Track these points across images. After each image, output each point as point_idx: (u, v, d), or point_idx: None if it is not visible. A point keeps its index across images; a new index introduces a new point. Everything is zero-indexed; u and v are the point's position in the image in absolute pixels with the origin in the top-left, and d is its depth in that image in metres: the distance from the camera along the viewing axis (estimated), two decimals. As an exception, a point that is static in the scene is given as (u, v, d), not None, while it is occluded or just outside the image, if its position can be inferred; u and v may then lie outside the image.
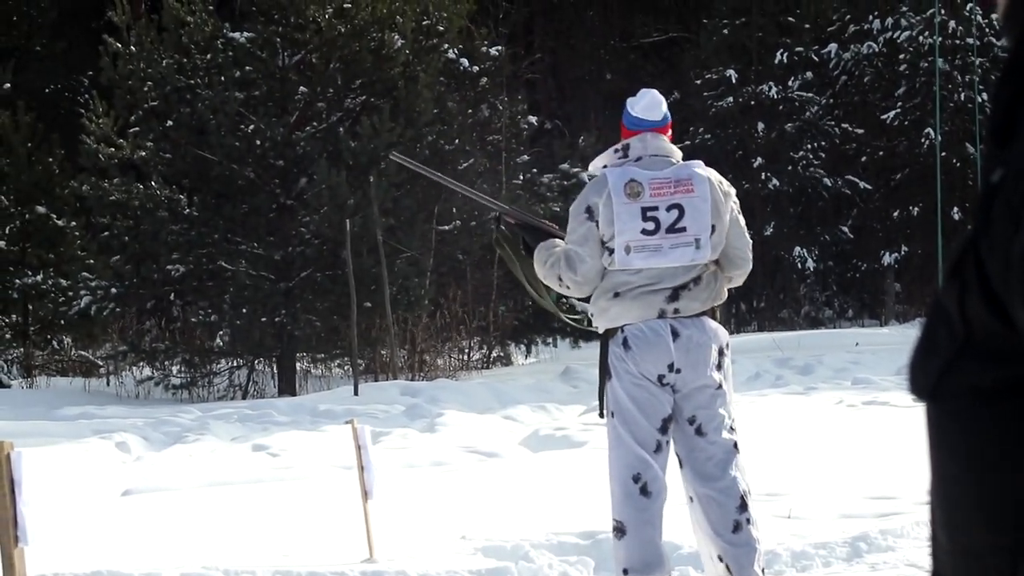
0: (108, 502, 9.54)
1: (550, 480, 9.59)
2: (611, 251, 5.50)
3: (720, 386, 5.54)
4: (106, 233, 19.81)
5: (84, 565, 6.91)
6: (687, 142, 30.72)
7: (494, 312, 23.19)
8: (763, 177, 32.16)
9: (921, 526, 7.06)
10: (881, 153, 32.80)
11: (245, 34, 19.75)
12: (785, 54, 32.75)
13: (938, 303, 1.30)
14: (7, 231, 23.34)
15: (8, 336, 23.50)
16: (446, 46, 21.80)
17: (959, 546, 1.31)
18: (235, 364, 20.49)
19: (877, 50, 32.52)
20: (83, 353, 23.48)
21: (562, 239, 5.78)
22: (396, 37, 20.13)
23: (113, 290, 19.64)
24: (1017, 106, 1.25)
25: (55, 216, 23.31)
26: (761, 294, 32.06)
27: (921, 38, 31.43)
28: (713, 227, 5.54)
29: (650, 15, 41.05)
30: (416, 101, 19.94)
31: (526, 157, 25.96)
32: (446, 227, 21.53)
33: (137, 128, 19.64)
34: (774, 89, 32.62)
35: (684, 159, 5.74)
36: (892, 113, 31.85)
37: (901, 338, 22.60)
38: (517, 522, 7.71)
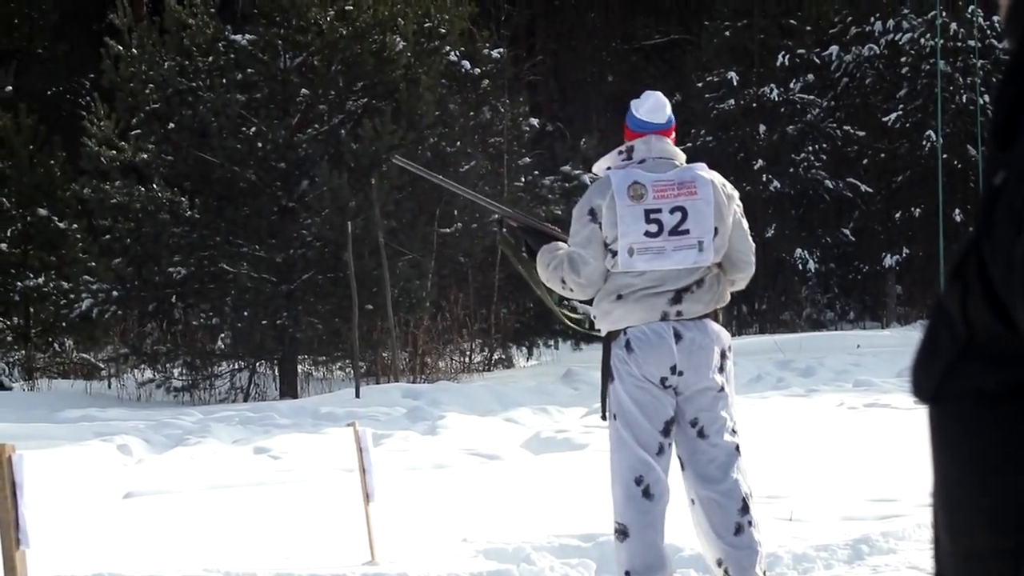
0: (109, 505, 9.54)
1: (551, 482, 9.58)
2: (614, 253, 5.50)
3: (722, 389, 5.54)
4: (108, 236, 19.81)
5: (86, 568, 6.91)
6: (688, 144, 30.70)
7: (495, 314, 23.19)
8: (764, 179, 32.15)
9: (923, 528, 7.06)
10: (882, 155, 32.79)
11: (247, 36, 19.75)
12: (787, 56, 32.76)
13: (940, 305, 1.30)
14: (9, 233, 23.35)
15: (10, 338, 23.50)
16: (448, 48, 21.80)
17: (961, 548, 1.31)
18: (236, 366, 20.49)
19: (878, 52, 32.53)
20: (85, 356, 23.48)
21: (565, 242, 5.78)
22: (398, 39, 20.13)
23: (115, 292, 19.64)
24: (1019, 108, 1.25)
25: (57, 218, 23.31)
26: (762, 296, 32.04)
27: (923, 40, 31.43)
28: (716, 230, 5.54)
29: (652, 17, 41.08)
30: (418, 103, 19.95)
31: (528, 159, 25.95)
32: (448, 229, 21.53)
33: (139, 130, 19.64)
34: (775, 91, 32.62)
35: (687, 162, 5.75)
36: (894, 115, 31.84)
37: (902, 340, 22.61)
38: (518, 524, 7.71)
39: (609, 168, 5.72)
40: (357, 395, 16.81)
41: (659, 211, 5.50)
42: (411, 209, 20.34)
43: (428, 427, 13.69)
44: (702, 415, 5.52)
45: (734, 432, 5.57)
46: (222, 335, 20.24)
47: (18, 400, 18.15)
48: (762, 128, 32.54)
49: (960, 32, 30.93)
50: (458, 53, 23.33)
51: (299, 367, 20.58)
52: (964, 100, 30.78)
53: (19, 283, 23.21)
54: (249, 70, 19.67)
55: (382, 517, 7.41)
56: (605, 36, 41.45)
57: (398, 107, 19.87)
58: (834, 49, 33.11)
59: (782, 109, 32.74)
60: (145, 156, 19.38)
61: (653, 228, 5.48)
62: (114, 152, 19.18)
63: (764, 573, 5.56)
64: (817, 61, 33.11)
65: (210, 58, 19.63)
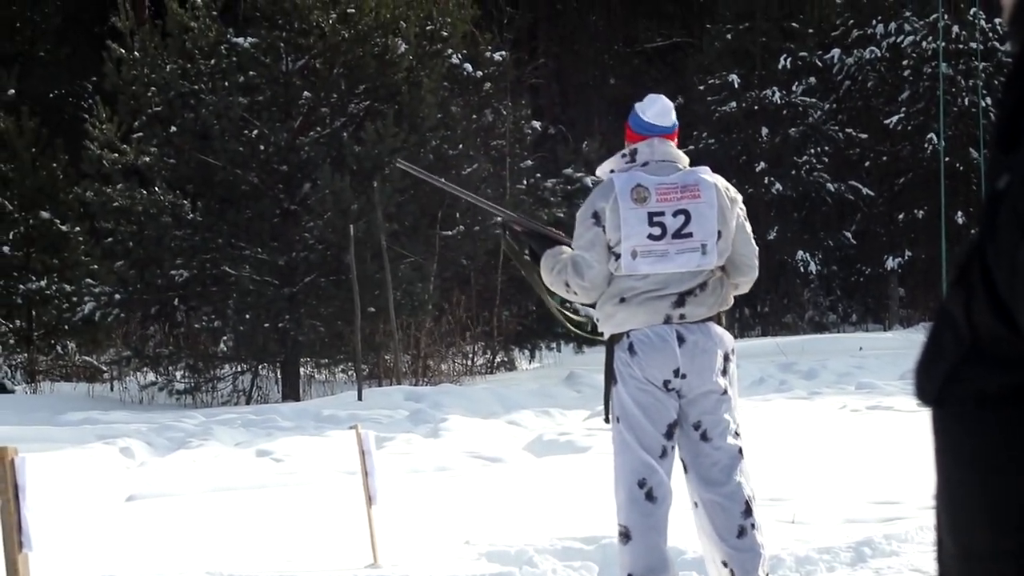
0: (112, 507, 9.54)
1: (554, 485, 9.58)
2: (617, 256, 5.50)
3: (725, 391, 5.53)
4: (110, 239, 19.83)
5: (88, 571, 6.91)
6: (691, 147, 30.73)
7: (498, 317, 23.19)
8: (767, 182, 32.16)
9: (925, 531, 7.06)
10: (885, 158, 32.80)
11: (249, 39, 19.75)
12: (789, 59, 32.77)
13: (944, 308, 1.30)
14: (11, 236, 23.36)
15: (12, 341, 23.51)
16: (450, 51, 21.80)
17: (964, 550, 1.31)
18: (239, 369, 20.50)
19: (880, 55, 32.54)
20: (87, 358, 23.48)
21: (569, 246, 5.78)
22: (400, 42, 20.14)
23: (117, 295, 19.65)
24: (1023, 111, 1.25)
25: (59, 221, 23.33)
26: (765, 299, 32.05)
27: (925, 43, 31.44)
28: (719, 233, 5.53)
29: (654, 20, 41.11)
30: (420, 106, 19.95)
31: (530, 162, 25.95)
32: (450, 232, 21.53)
33: (141, 133, 19.65)
34: (778, 94, 32.62)
35: (690, 165, 5.74)
36: (896, 118, 31.85)
37: (905, 343, 22.62)
38: (521, 527, 7.71)
39: (612, 171, 5.72)
40: (359, 398, 16.82)
41: (662, 214, 5.49)
42: (413, 212, 20.35)
43: (430, 430, 13.69)
44: (705, 418, 5.51)
45: (737, 435, 5.57)
46: (224, 338, 20.25)
47: (20, 403, 18.15)
48: (764, 131, 32.55)
49: (962, 34, 30.94)
50: (460, 56, 23.33)
51: (301, 370, 20.58)
52: (966, 103, 30.78)
53: (21, 286, 23.22)
54: (251, 73, 19.68)
55: (384, 520, 7.41)
56: (607, 39, 41.47)
57: (400, 110, 19.87)
58: (836, 52, 33.13)
59: (784, 112, 32.75)
60: (147, 159, 19.39)
61: (656, 231, 5.47)
62: (116, 155, 19.19)
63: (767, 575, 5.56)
64: (819, 64, 33.14)
65: (212, 61, 19.64)
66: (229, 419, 14.87)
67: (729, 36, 33.40)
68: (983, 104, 28.09)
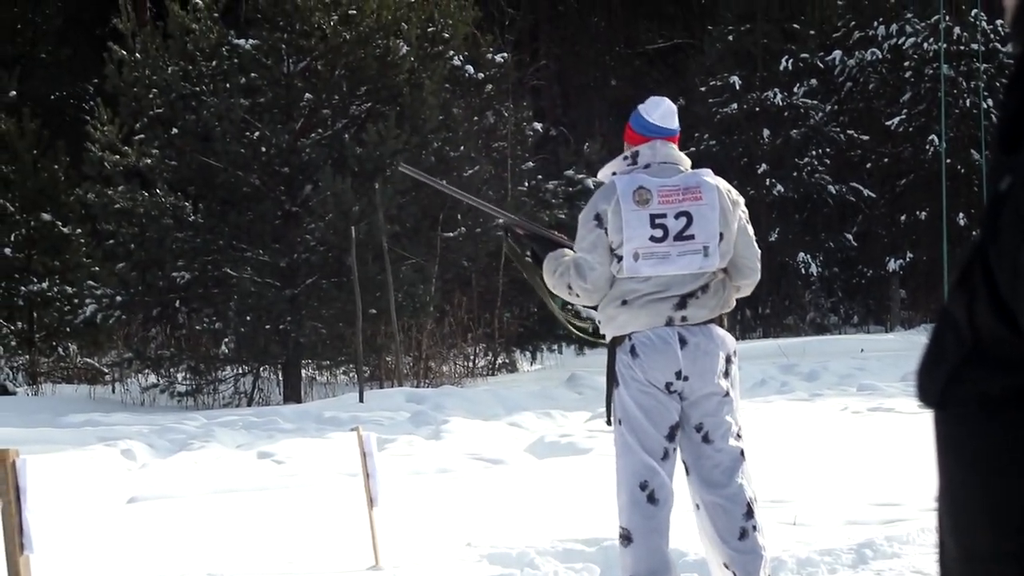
0: (113, 509, 9.54)
1: (555, 487, 9.58)
2: (620, 258, 5.49)
3: (727, 393, 5.53)
4: (111, 240, 19.83)
5: (90, 573, 6.91)
6: (692, 149, 30.74)
7: (499, 319, 23.19)
8: (768, 184, 32.15)
9: (927, 533, 7.06)
10: (886, 159, 32.78)
11: (250, 41, 19.75)
12: (790, 61, 32.76)
13: (946, 310, 1.30)
14: (12, 238, 23.36)
15: (14, 343, 23.51)
16: (451, 53, 21.80)
17: (966, 552, 1.31)
18: (240, 371, 20.50)
19: (882, 56, 32.52)
20: (88, 360, 23.48)
21: (571, 249, 5.77)
22: (401, 44, 20.14)
23: (118, 297, 19.65)
24: (1025, 113, 1.25)
25: (60, 223, 23.33)
26: (766, 300, 32.04)
27: (926, 44, 31.42)
28: (721, 235, 5.53)
29: (655, 22, 41.11)
30: (421, 108, 19.95)
31: (531, 164, 25.96)
32: (451, 234, 21.53)
33: (142, 135, 19.65)
34: (779, 96, 32.61)
35: (692, 167, 5.74)
36: (897, 119, 31.84)
37: (906, 344, 22.61)
38: (523, 529, 7.71)
39: (614, 173, 5.71)
40: (361, 399, 16.82)
41: (664, 216, 5.49)
42: (415, 213, 20.36)
43: (432, 431, 13.69)
44: (707, 420, 5.51)
45: (739, 437, 5.57)
46: (226, 339, 20.24)
47: (22, 405, 18.15)
48: (766, 132, 32.54)
49: (963, 36, 30.92)
50: (462, 58, 23.34)
51: (303, 371, 20.58)
52: (968, 104, 30.77)
53: (23, 288, 23.22)
54: (253, 74, 19.68)
55: (386, 522, 7.41)
56: (608, 41, 41.47)
57: (402, 112, 19.87)
58: (837, 53, 33.11)
59: (785, 113, 32.74)
60: (148, 161, 19.39)
61: (658, 233, 5.47)
62: (117, 157, 19.19)
63: (768, 577, 5.56)
64: (820, 65, 33.12)
65: (213, 63, 19.64)
66: (230, 421, 14.87)
67: (730, 38, 33.39)
68: (984, 106, 28.08)
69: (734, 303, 5.73)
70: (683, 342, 5.46)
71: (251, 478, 10.86)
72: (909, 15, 32.18)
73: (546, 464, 11.37)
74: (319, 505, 9.10)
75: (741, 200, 5.72)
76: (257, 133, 19.43)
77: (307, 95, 20.01)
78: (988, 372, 1.24)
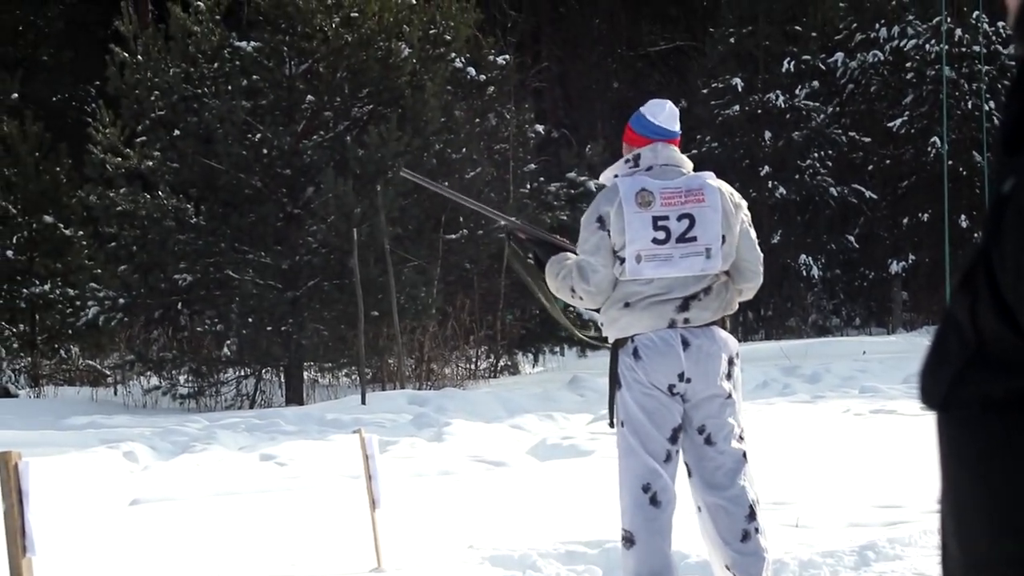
0: (116, 512, 9.54)
1: (558, 489, 9.58)
2: (622, 260, 5.49)
3: (730, 396, 5.53)
4: (113, 243, 19.84)
5: (92, 575, 6.91)
6: (693, 151, 30.72)
7: (501, 321, 23.18)
8: (770, 186, 32.13)
9: (929, 535, 7.05)
10: (888, 161, 32.77)
11: (252, 43, 19.77)
12: (792, 63, 32.74)
13: (949, 313, 1.30)
14: (15, 241, 23.37)
15: (16, 346, 23.52)
16: (453, 55, 21.80)
17: (969, 556, 1.31)
18: (242, 373, 20.51)
19: (884, 58, 32.50)
20: (91, 363, 23.50)
21: (573, 252, 5.77)
22: (403, 46, 20.15)
23: (120, 300, 19.65)
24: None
25: (63, 226, 23.35)
26: (768, 302, 32.03)
27: (928, 46, 31.41)
28: (723, 237, 5.53)
29: (657, 24, 41.13)
30: (423, 110, 19.95)
31: (533, 166, 25.95)
32: (453, 236, 21.54)
33: (144, 137, 19.67)
34: (781, 98, 32.59)
35: (694, 169, 5.74)
36: (899, 121, 31.83)
37: (908, 347, 22.59)
38: (525, 531, 7.71)
39: (617, 176, 5.71)
40: (363, 402, 16.82)
41: (666, 218, 5.49)
42: (417, 216, 20.36)
43: (434, 434, 13.69)
44: (709, 422, 5.51)
45: (741, 439, 5.57)
46: (228, 342, 20.25)
47: (24, 407, 18.16)
48: (767, 134, 32.53)
49: (965, 38, 30.91)
50: (463, 60, 23.33)
51: (305, 374, 20.59)
52: (969, 106, 30.76)
53: (25, 290, 23.24)
54: (254, 77, 19.69)
55: (388, 524, 7.41)
56: (610, 43, 41.47)
57: (403, 114, 19.88)
58: (839, 55, 33.09)
59: (787, 115, 32.73)
60: (150, 163, 19.41)
61: (661, 235, 5.47)
62: (120, 159, 19.21)
63: (771, 580, 5.56)
64: (822, 67, 33.10)
65: (215, 65, 19.66)
66: (233, 423, 14.87)
67: (732, 40, 33.37)
68: (986, 107, 28.07)
69: (736, 306, 5.72)
70: (686, 344, 5.46)
71: (253, 480, 10.86)
72: (911, 17, 32.16)
73: (548, 466, 11.37)
74: (321, 507, 9.10)
75: (744, 203, 5.73)
76: (259, 135, 19.44)
77: (309, 97, 20.02)
78: (991, 374, 1.24)
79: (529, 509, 8.64)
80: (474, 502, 9.14)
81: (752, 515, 5.49)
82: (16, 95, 26.03)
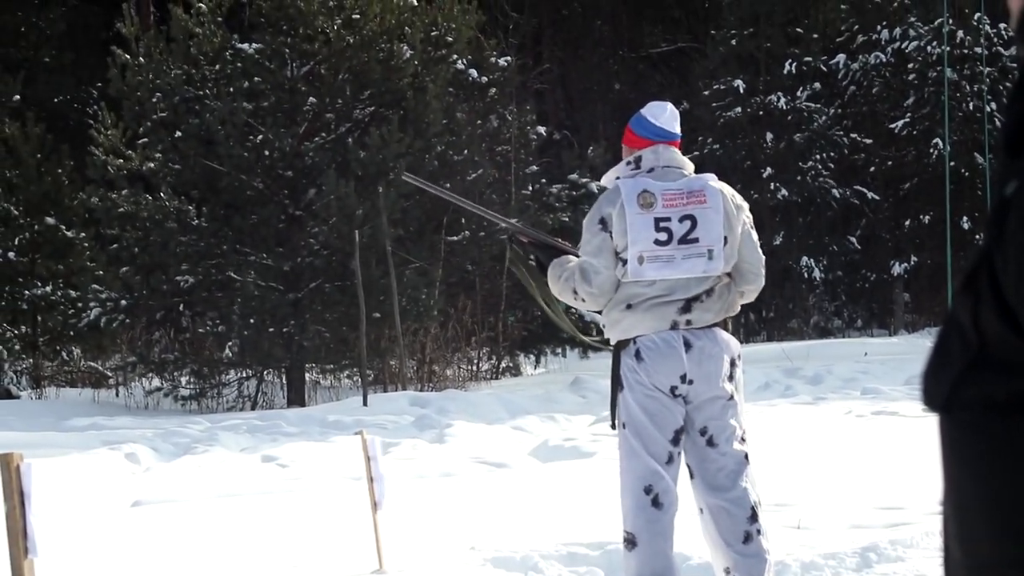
0: (117, 513, 9.54)
1: (559, 491, 9.58)
2: (624, 262, 5.49)
3: (732, 397, 5.53)
4: (115, 244, 19.84)
5: (94, 576, 6.91)
6: (695, 152, 30.73)
7: (503, 322, 23.18)
8: (772, 187, 32.15)
9: (931, 537, 7.05)
10: (890, 163, 32.78)
11: (254, 45, 19.77)
12: (793, 64, 32.75)
13: (951, 315, 1.30)
14: (16, 242, 23.37)
15: (17, 347, 23.51)
16: (455, 57, 21.79)
17: (972, 558, 1.31)
18: (244, 375, 20.51)
19: (885, 60, 32.52)
20: (92, 364, 23.49)
21: (575, 255, 5.76)
22: (405, 48, 20.15)
23: (122, 301, 19.65)
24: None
25: (64, 227, 23.34)
26: (770, 304, 32.04)
27: (929, 48, 31.42)
28: (725, 239, 5.53)
29: (659, 25, 41.13)
30: (425, 112, 19.95)
31: (535, 167, 25.96)
32: (455, 237, 21.54)
33: (146, 139, 19.67)
34: (783, 99, 32.61)
35: (695, 171, 5.74)
36: (901, 123, 31.84)
37: (910, 348, 22.60)
38: (527, 533, 7.70)
39: (618, 178, 5.71)
40: (365, 403, 16.82)
41: (668, 219, 5.49)
42: (418, 217, 20.36)
43: (436, 435, 13.69)
44: (711, 424, 5.51)
45: (743, 440, 5.57)
46: (229, 343, 20.25)
47: (26, 409, 18.16)
48: (769, 136, 32.55)
49: (967, 39, 30.92)
50: (465, 61, 23.33)
51: (307, 375, 20.59)
52: (971, 107, 30.77)
53: (27, 292, 23.23)
54: (256, 78, 19.69)
55: (390, 525, 7.41)
56: (612, 44, 41.48)
57: (405, 115, 19.88)
58: (841, 57, 33.11)
59: (789, 117, 32.74)
60: (152, 165, 19.41)
61: (663, 236, 5.47)
62: (121, 161, 19.21)
63: (772, 581, 5.56)
64: (824, 69, 33.11)
65: (217, 67, 19.66)
66: (234, 425, 14.87)
67: (734, 41, 33.38)
68: (988, 109, 28.09)
69: (739, 307, 5.72)
70: (688, 346, 5.46)
71: (255, 482, 10.86)
72: (912, 19, 32.18)
73: (550, 468, 11.36)
74: (323, 509, 9.10)
75: (745, 205, 5.73)
76: (260, 137, 19.44)
77: (311, 99, 20.02)
78: (993, 376, 1.24)
79: (531, 511, 8.64)
80: (476, 503, 9.14)
81: (754, 517, 5.49)
82: (18, 97, 26.03)
